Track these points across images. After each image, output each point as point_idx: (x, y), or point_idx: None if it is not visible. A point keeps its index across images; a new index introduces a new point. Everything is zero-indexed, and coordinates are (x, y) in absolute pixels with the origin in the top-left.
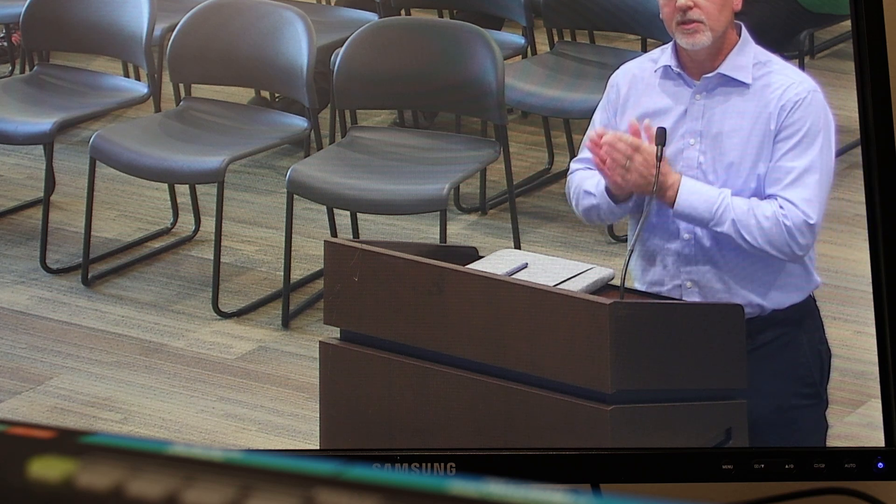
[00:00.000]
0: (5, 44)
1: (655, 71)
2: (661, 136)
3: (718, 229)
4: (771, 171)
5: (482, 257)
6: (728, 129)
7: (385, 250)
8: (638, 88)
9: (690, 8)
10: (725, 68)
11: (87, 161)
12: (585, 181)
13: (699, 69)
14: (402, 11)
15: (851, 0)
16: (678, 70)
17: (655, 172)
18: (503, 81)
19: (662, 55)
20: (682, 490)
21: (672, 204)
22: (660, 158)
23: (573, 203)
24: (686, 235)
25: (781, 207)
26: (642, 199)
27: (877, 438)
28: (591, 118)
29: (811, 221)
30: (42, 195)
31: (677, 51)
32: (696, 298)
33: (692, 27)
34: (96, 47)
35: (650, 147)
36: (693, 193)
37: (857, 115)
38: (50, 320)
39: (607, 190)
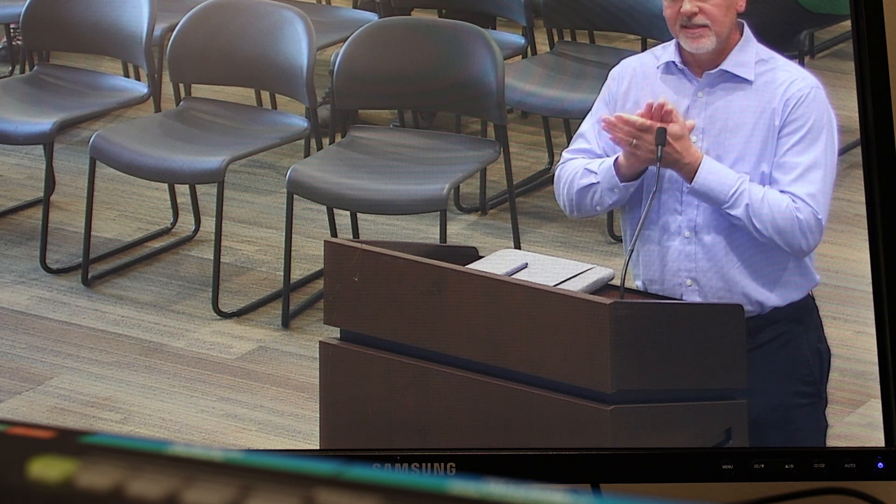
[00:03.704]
0: (6, 43)
1: (658, 67)
2: (661, 136)
3: (731, 212)
4: (775, 167)
5: (482, 257)
6: (731, 126)
7: (385, 250)
8: (639, 83)
9: (696, 13)
10: (728, 65)
11: (87, 161)
12: (588, 164)
13: (702, 66)
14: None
15: (851, 0)
16: (681, 66)
17: (657, 172)
18: (503, 81)
19: (665, 52)
20: (682, 490)
21: (690, 180)
22: (660, 158)
23: (563, 189)
24: (686, 233)
25: (794, 202)
26: (641, 193)
27: (877, 438)
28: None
29: (820, 216)
30: (42, 195)
31: (680, 48)
32: (695, 296)
33: (697, 32)
34: (96, 47)
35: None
36: (712, 173)
37: (857, 115)
38: (50, 320)
39: (616, 164)
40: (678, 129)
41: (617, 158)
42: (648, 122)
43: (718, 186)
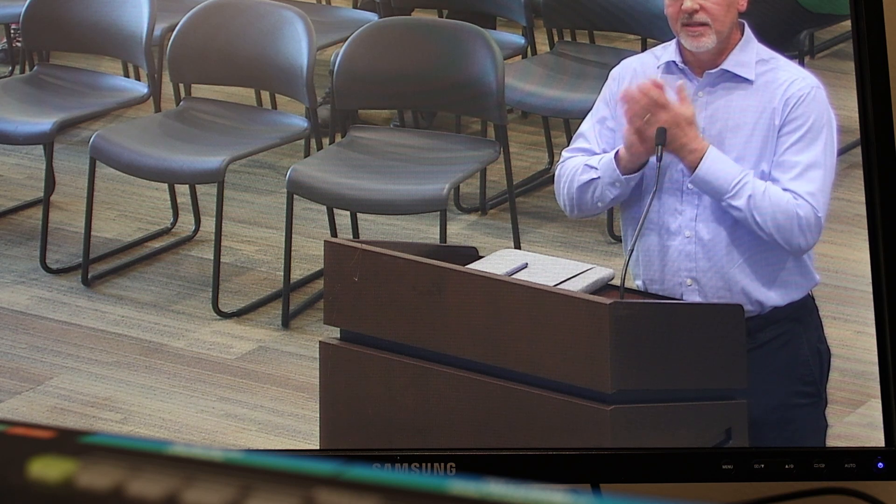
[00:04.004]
0: (6, 43)
1: (658, 67)
2: (662, 136)
3: (734, 203)
4: (775, 165)
5: (482, 257)
6: (732, 125)
7: (385, 250)
8: (639, 83)
9: (697, 11)
10: (728, 64)
11: (87, 161)
12: (588, 160)
13: (702, 66)
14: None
15: (851, 0)
16: (682, 66)
17: (657, 172)
18: (503, 81)
19: (665, 51)
20: (682, 490)
21: (694, 169)
22: (660, 158)
23: (563, 188)
24: (687, 233)
25: (795, 199)
26: (641, 193)
27: (877, 438)
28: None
29: (819, 214)
30: (42, 195)
31: (681, 47)
32: (695, 296)
33: (698, 30)
34: (96, 47)
35: (679, 107)
36: (717, 162)
37: (857, 115)
38: (50, 320)
39: (616, 159)
40: (690, 113)
41: (617, 151)
42: (665, 98)
43: (723, 175)
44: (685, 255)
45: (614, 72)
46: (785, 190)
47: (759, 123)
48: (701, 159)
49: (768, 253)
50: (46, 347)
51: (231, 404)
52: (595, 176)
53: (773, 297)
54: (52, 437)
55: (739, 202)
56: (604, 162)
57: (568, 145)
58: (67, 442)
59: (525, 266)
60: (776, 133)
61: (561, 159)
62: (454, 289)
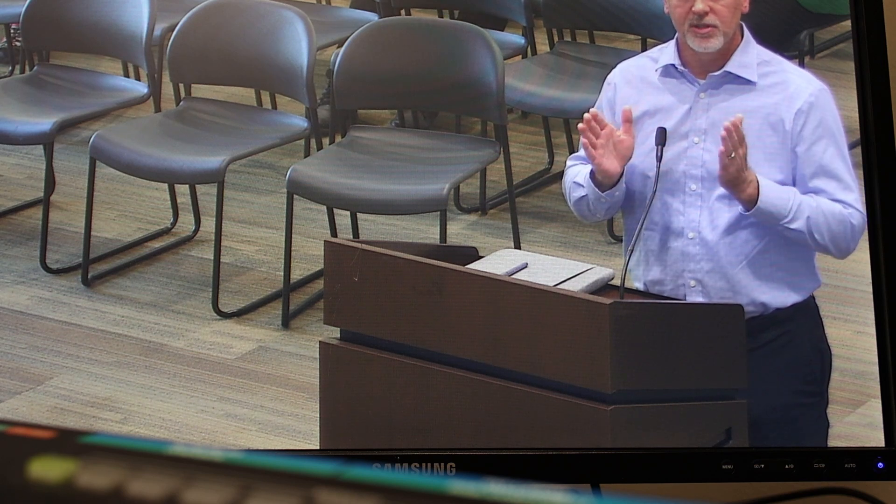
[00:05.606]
0: (6, 43)
1: (656, 70)
2: (661, 136)
3: (792, 226)
4: (818, 176)
5: (482, 257)
6: None
7: (385, 250)
8: (637, 87)
9: (707, 13)
10: (732, 66)
11: (87, 161)
12: (578, 175)
13: (703, 68)
14: (402, 11)
15: (851, 0)
16: (681, 69)
17: (656, 172)
18: (503, 81)
19: (662, 54)
20: (682, 490)
21: (754, 202)
22: (660, 158)
23: (568, 198)
24: (691, 234)
25: (845, 208)
26: (633, 192)
27: (877, 438)
28: None
29: (865, 218)
30: (42, 195)
31: (680, 49)
32: (699, 298)
33: (707, 31)
34: (96, 47)
35: (622, 134)
36: (772, 190)
37: (857, 115)
38: (50, 320)
39: (592, 176)
40: (743, 150)
41: (592, 171)
42: (614, 129)
43: (779, 202)
44: (688, 257)
45: (610, 77)
46: (837, 200)
47: (764, 126)
48: (758, 192)
49: (772, 254)
50: (46, 347)
51: (231, 404)
52: (583, 193)
53: (777, 299)
54: (52, 437)
55: (798, 224)
56: (587, 180)
57: (568, 145)
58: (67, 442)
59: (525, 266)
60: (788, 138)
61: (566, 166)
62: (454, 289)
